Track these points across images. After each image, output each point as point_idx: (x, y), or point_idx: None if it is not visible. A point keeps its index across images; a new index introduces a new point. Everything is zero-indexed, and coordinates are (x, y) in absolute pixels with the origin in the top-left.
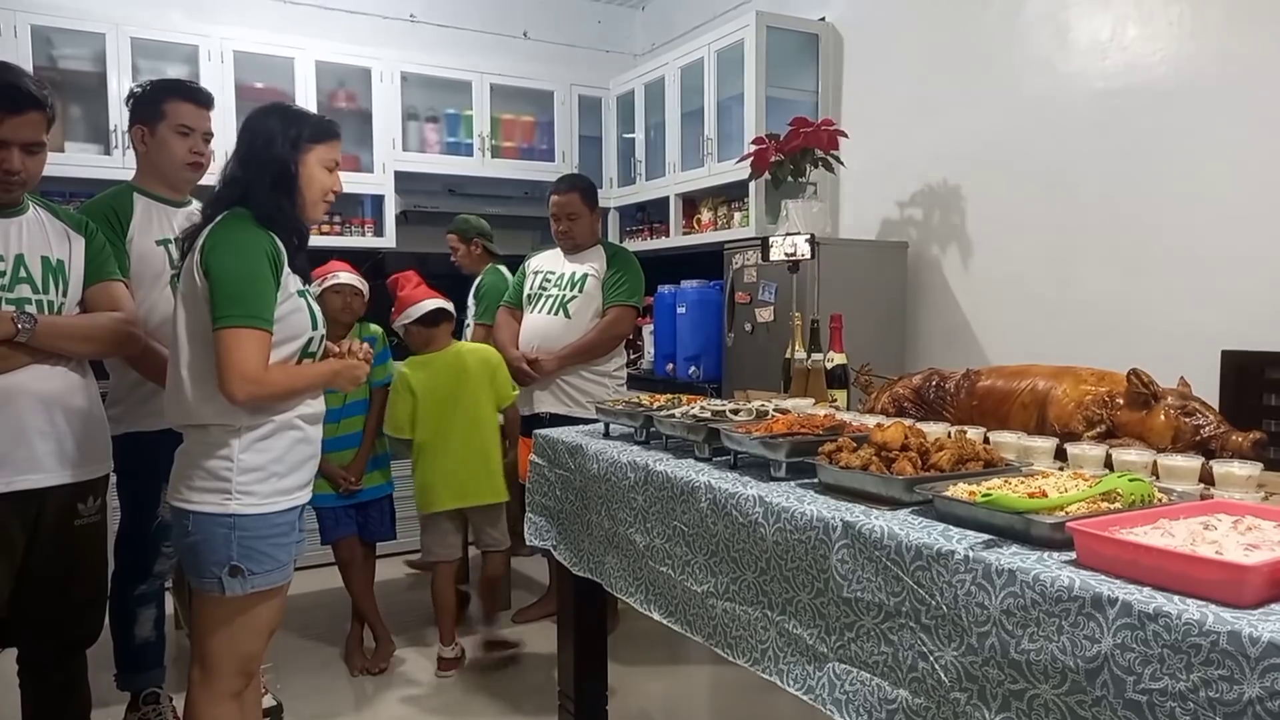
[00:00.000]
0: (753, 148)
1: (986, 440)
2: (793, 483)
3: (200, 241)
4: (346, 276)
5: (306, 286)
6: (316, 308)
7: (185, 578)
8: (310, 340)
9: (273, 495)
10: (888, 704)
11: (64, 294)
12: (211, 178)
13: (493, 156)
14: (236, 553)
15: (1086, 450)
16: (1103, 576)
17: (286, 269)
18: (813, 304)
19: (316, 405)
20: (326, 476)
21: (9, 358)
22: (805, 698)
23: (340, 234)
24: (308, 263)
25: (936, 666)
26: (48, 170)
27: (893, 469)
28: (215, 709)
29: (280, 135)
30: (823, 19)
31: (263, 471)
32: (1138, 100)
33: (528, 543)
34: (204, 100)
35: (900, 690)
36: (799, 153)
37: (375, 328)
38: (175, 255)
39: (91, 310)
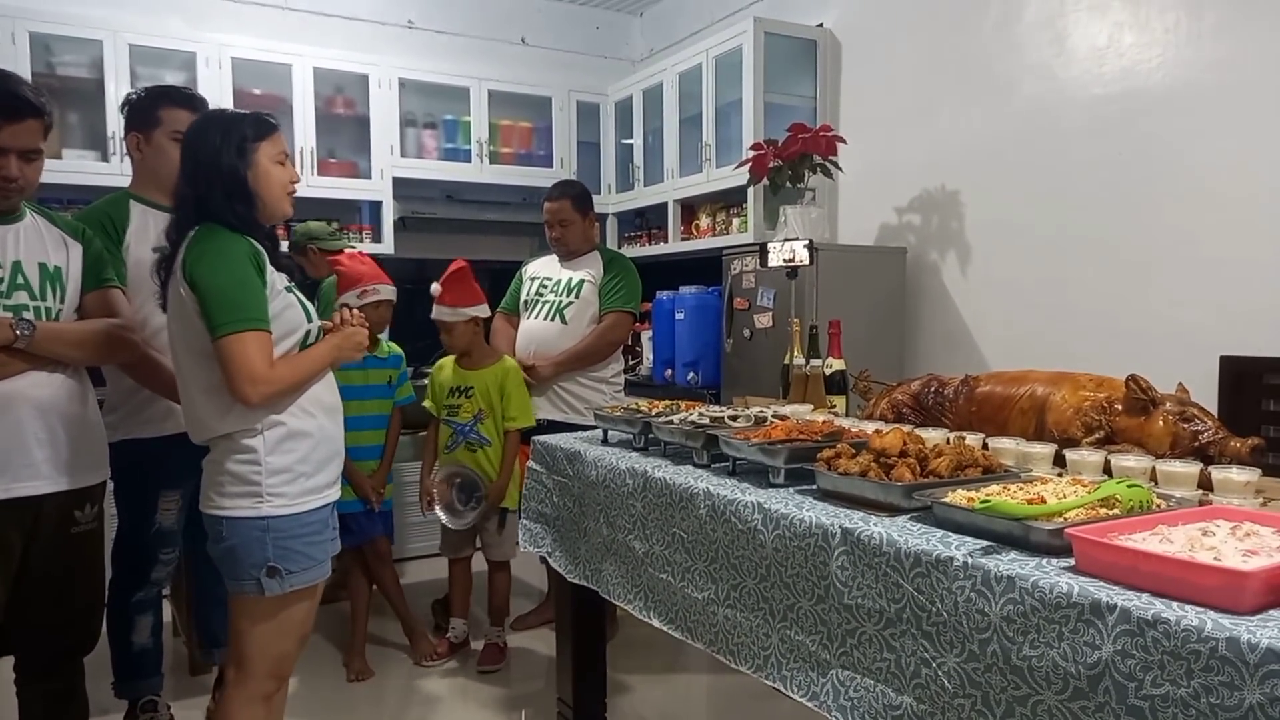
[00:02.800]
0: (751, 153)
1: (985, 446)
2: (791, 489)
3: (180, 260)
4: (386, 291)
5: (293, 282)
6: (308, 302)
7: (183, 585)
8: (308, 333)
9: (303, 495)
10: (892, 710)
11: (61, 301)
12: None
13: (491, 162)
14: (273, 553)
15: (1085, 456)
16: (1101, 583)
17: (270, 268)
18: (811, 310)
19: (334, 400)
20: (357, 490)
21: (7, 364)
22: (810, 704)
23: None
24: (291, 259)
25: (940, 673)
26: (45, 177)
27: (891, 475)
28: (247, 710)
29: (223, 144)
30: (821, 25)
31: (290, 473)
32: (1135, 106)
33: (522, 549)
34: (199, 106)
35: (904, 697)
36: (797, 158)
37: (396, 347)
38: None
39: (88, 317)
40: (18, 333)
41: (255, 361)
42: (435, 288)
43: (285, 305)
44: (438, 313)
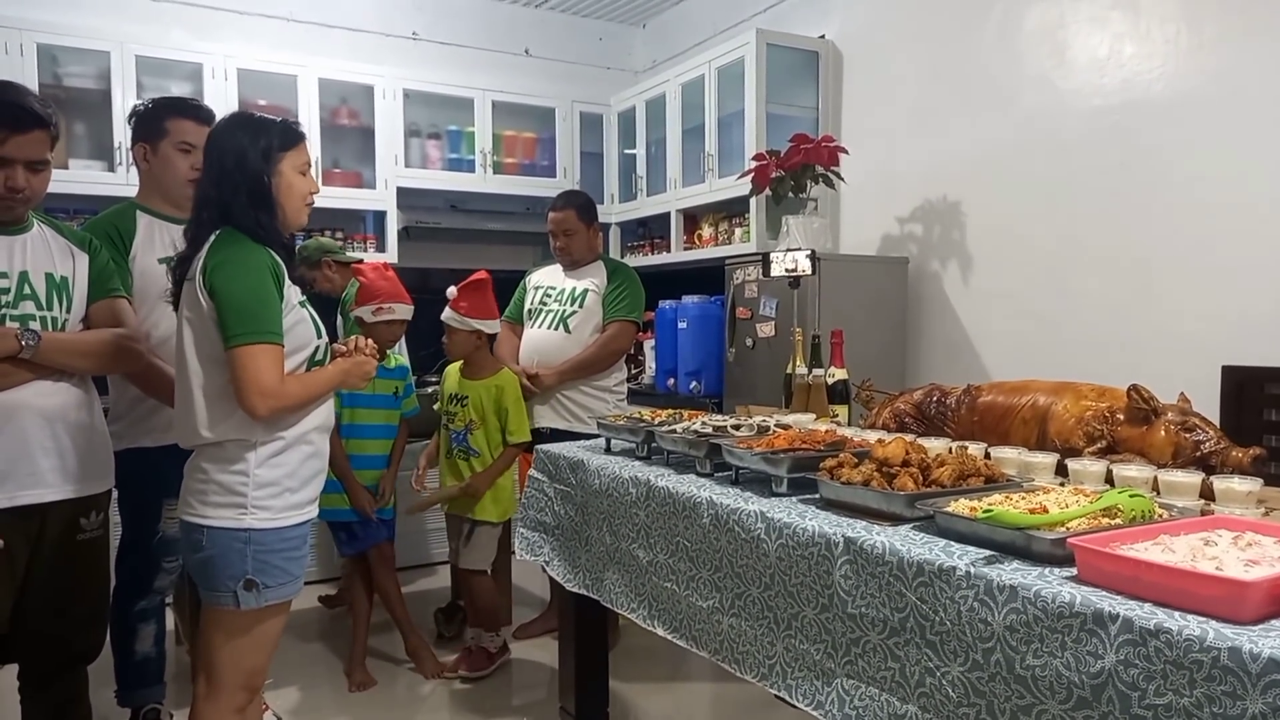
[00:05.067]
0: (753, 164)
1: (987, 456)
2: (794, 498)
3: (200, 264)
4: (402, 310)
5: (304, 297)
6: (317, 317)
7: (186, 593)
8: (316, 349)
9: (286, 510)
10: (898, 719)
11: (68, 310)
12: None
13: (494, 173)
14: (252, 566)
15: (1087, 466)
16: (1104, 592)
17: (288, 282)
18: (814, 319)
19: (327, 419)
20: (353, 501)
21: (12, 374)
22: (816, 713)
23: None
24: (303, 273)
25: (944, 682)
26: (52, 187)
27: (894, 485)
28: None
29: (250, 149)
30: (823, 36)
31: (277, 486)
32: (1135, 116)
33: (518, 557)
34: (205, 117)
35: (910, 706)
36: (799, 169)
37: (403, 359)
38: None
39: (95, 326)
40: (23, 343)
41: (267, 375)
42: (451, 290)
43: (297, 320)
44: (446, 315)
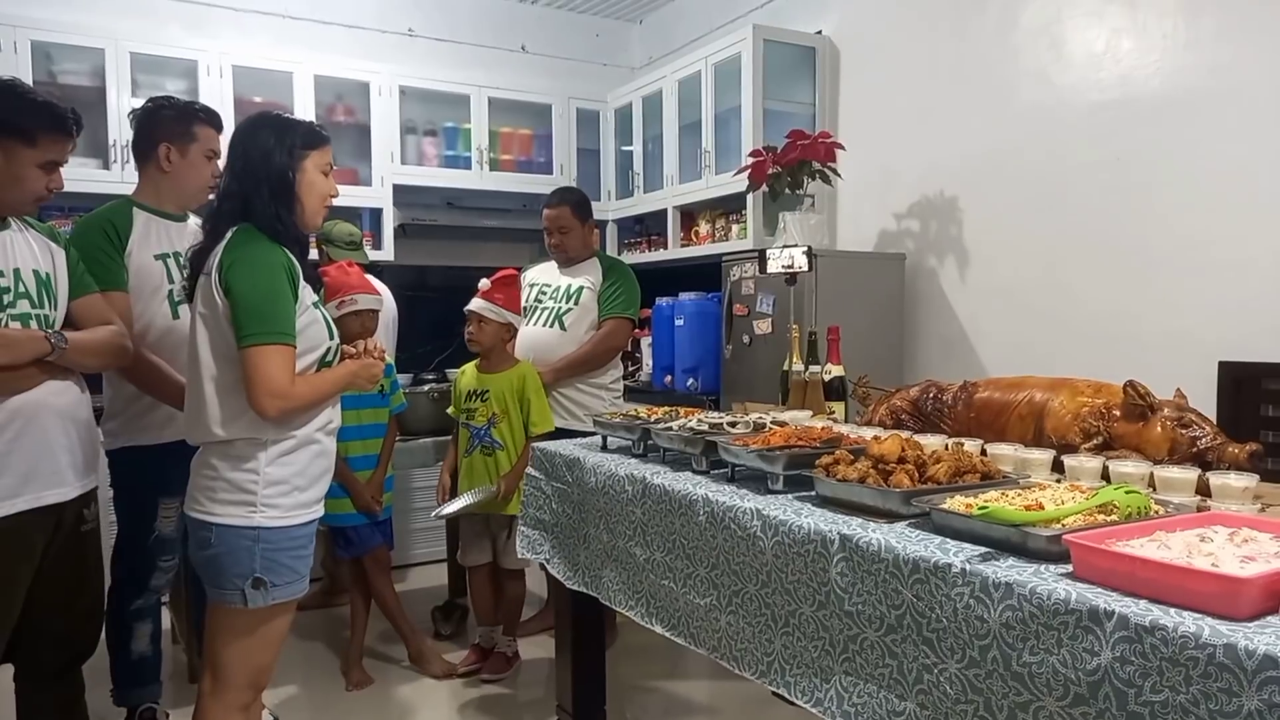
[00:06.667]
0: (750, 160)
1: (984, 452)
2: (790, 495)
3: (216, 260)
4: (365, 300)
5: (318, 297)
6: (330, 318)
7: (183, 592)
8: (328, 350)
9: (295, 508)
10: (896, 716)
11: (55, 307)
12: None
13: (491, 169)
14: (260, 565)
15: (1083, 462)
16: (1100, 589)
17: (302, 282)
18: (810, 316)
19: (335, 419)
20: (356, 501)
21: (35, 375)
22: (814, 710)
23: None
24: (315, 271)
25: (941, 679)
26: None
27: (890, 481)
28: None
29: (275, 146)
30: (819, 32)
31: (286, 485)
32: (1132, 112)
33: (519, 556)
34: (222, 126)
35: (907, 703)
36: (796, 165)
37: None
38: (177, 271)
39: (80, 323)
40: (53, 344)
41: (278, 376)
42: (484, 282)
43: (311, 321)
44: (479, 305)
